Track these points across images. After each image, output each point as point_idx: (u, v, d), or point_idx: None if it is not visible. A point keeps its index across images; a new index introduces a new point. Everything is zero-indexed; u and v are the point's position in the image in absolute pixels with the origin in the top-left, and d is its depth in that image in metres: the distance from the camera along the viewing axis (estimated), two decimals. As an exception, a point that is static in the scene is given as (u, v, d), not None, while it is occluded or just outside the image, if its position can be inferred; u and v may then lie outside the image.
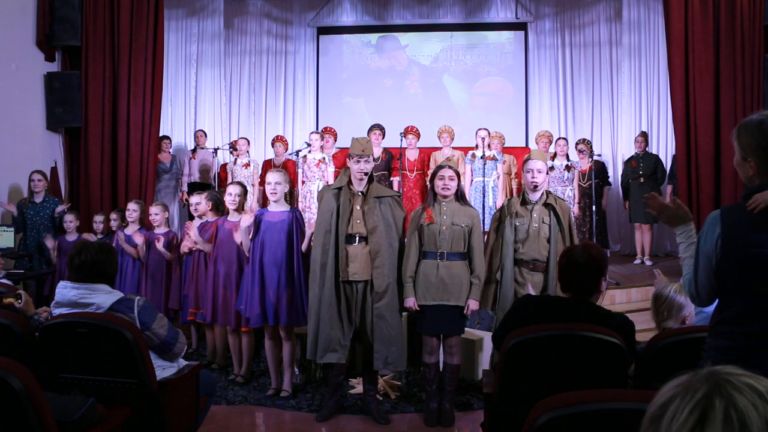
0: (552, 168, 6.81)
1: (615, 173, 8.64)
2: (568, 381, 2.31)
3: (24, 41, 6.75)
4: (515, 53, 9.44)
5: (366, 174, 3.92)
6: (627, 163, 7.71)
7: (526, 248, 3.81)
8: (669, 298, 2.76)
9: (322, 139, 7.38)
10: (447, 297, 3.81)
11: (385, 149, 7.49)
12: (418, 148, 7.53)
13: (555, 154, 7.28)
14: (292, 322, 4.25)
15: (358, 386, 4.42)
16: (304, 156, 7.24)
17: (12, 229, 5.82)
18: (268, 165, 7.54)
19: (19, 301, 2.95)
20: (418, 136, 7.50)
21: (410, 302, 3.86)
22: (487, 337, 4.70)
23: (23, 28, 6.73)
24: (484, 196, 6.91)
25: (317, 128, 8.96)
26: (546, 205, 3.85)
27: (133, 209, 5.42)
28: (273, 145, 7.91)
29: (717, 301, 2.00)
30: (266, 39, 9.69)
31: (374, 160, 4.18)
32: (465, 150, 7.38)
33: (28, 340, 2.68)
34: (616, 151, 8.94)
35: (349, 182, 3.95)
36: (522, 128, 9.28)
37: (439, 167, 3.93)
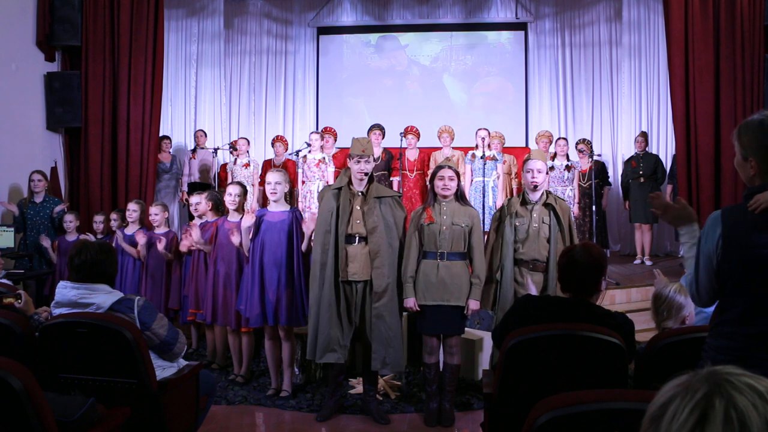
0: (552, 168, 6.81)
1: (615, 173, 8.65)
2: (568, 381, 2.31)
3: (24, 41, 6.75)
4: (515, 53, 9.44)
5: (366, 174, 3.92)
6: (627, 163, 7.71)
7: (526, 248, 3.81)
8: (669, 298, 2.76)
9: (322, 139, 7.38)
10: (447, 297, 3.81)
11: (385, 149, 7.49)
12: (418, 148, 7.52)
13: (555, 154, 7.28)
14: (291, 323, 4.25)
15: (358, 386, 4.42)
16: (304, 156, 7.24)
17: (12, 229, 5.82)
18: (268, 165, 7.54)
19: (19, 301, 2.95)
20: (418, 136, 7.50)
21: (410, 302, 3.86)
22: (487, 337, 4.70)
23: (23, 28, 6.73)
24: (484, 196, 6.91)
25: (317, 128, 8.96)
26: (546, 205, 3.85)
27: (133, 209, 5.42)
28: (273, 145, 7.92)
29: (717, 301, 2.00)
30: (266, 39, 9.69)
31: (374, 160, 4.18)
32: (465, 150, 7.38)
33: (28, 340, 2.68)
34: (616, 151, 8.94)
35: (350, 182, 3.95)
36: (522, 128, 9.29)
37: (439, 167, 3.93)
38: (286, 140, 8.14)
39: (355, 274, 3.88)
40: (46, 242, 5.87)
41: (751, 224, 1.87)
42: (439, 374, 3.97)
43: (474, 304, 3.82)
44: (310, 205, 7.00)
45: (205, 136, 8.35)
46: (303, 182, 7.23)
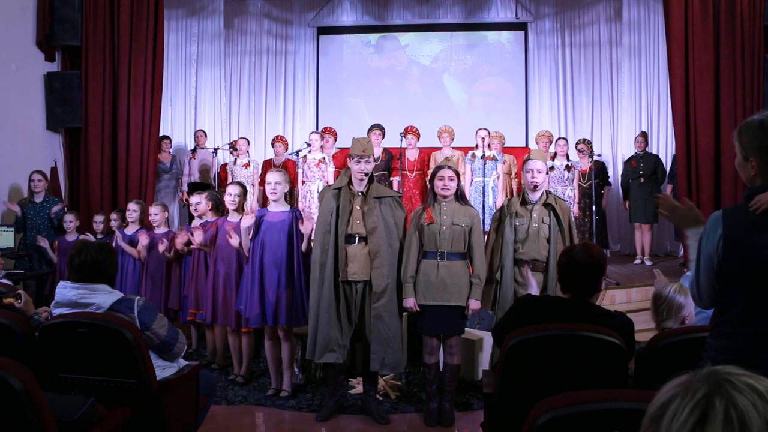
0: (552, 168, 6.82)
1: (615, 173, 8.65)
2: (568, 381, 2.31)
3: (24, 41, 6.75)
4: (515, 53, 9.44)
5: (366, 174, 3.92)
6: (627, 163, 7.71)
7: (525, 248, 3.81)
8: (668, 298, 2.76)
9: (322, 139, 7.38)
10: (447, 297, 3.81)
11: (385, 149, 7.49)
12: (418, 148, 7.52)
13: (555, 154, 7.28)
14: (291, 323, 4.25)
15: (358, 386, 4.42)
16: (304, 156, 7.25)
17: (12, 229, 5.82)
18: (268, 165, 7.54)
19: (19, 301, 2.95)
20: (417, 136, 7.50)
21: (410, 302, 3.85)
22: (487, 336, 4.70)
23: (23, 28, 6.73)
24: (484, 196, 6.91)
25: (317, 128, 8.96)
26: (546, 205, 3.85)
27: (133, 209, 5.42)
28: (273, 145, 7.92)
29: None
30: (266, 39, 9.69)
31: (374, 160, 4.18)
32: (465, 150, 7.38)
33: (28, 340, 2.68)
34: (616, 151, 8.94)
35: (350, 182, 3.95)
36: (522, 128, 9.28)
37: (439, 167, 3.92)
38: (286, 140, 8.14)
39: (354, 274, 3.88)
40: (44, 243, 5.88)
41: (752, 225, 1.87)
42: (439, 374, 3.97)
43: (475, 304, 3.82)
44: (310, 205, 7.00)
45: (205, 136, 8.35)
46: (303, 182, 7.23)
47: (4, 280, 3.97)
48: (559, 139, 7.44)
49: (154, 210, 5.38)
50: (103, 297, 2.75)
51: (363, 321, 3.94)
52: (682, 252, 7.60)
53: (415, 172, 7.41)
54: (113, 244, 4.79)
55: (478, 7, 9.40)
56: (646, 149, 7.60)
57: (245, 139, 7.89)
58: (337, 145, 7.65)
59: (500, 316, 3.51)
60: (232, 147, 7.84)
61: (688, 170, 6.56)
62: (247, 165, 7.58)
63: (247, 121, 9.69)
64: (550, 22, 9.32)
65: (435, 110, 9.14)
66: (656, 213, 7.39)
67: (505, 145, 7.48)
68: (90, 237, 5.47)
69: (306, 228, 4.13)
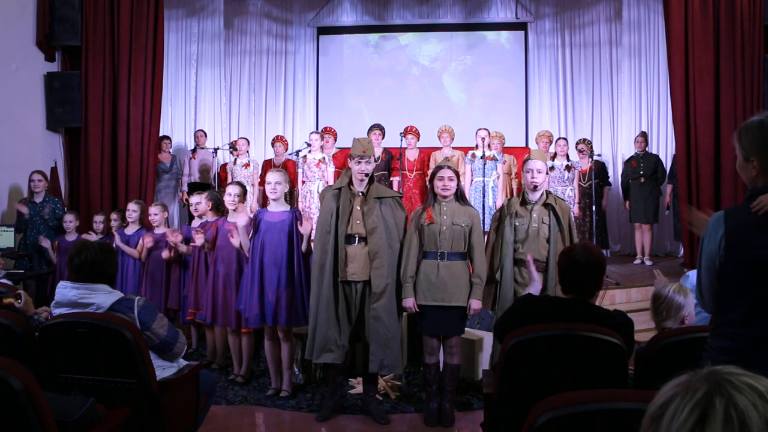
0: (552, 168, 6.82)
1: (615, 173, 8.64)
2: (568, 381, 2.31)
3: (24, 41, 6.75)
4: (515, 53, 9.44)
5: (367, 175, 3.92)
6: (627, 163, 7.71)
7: (525, 248, 3.81)
8: (668, 298, 2.76)
9: (322, 139, 7.38)
10: (448, 298, 3.81)
11: (385, 149, 7.49)
12: (418, 148, 7.53)
13: (555, 154, 7.28)
14: (291, 323, 4.25)
15: (358, 386, 4.42)
16: (304, 156, 7.25)
17: (12, 229, 5.82)
18: (268, 165, 7.54)
19: (19, 301, 2.95)
20: (417, 136, 7.50)
21: (409, 302, 3.85)
22: (487, 337, 4.70)
23: (23, 28, 6.73)
24: (484, 196, 6.91)
25: (317, 128, 8.96)
26: (546, 205, 3.85)
27: (133, 209, 5.42)
28: (273, 145, 7.92)
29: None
30: (266, 39, 9.69)
31: (374, 160, 4.18)
32: (465, 150, 7.38)
33: (28, 340, 2.68)
34: (616, 151, 8.94)
35: (350, 183, 3.95)
36: (522, 128, 9.28)
37: (438, 167, 3.92)
38: (286, 140, 8.14)
39: (354, 275, 3.88)
40: (45, 243, 5.88)
41: (754, 225, 1.87)
42: (439, 374, 3.97)
43: (476, 304, 3.81)
44: (309, 205, 7.01)
45: (205, 136, 8.35)
46: (303, 182, 7.23)
47: (4, 280, 3.97)
48: (559, 139, 7.44)
49: (154, 210, 5.38)
50: (103, 297, 2.75)
51: (363, 321, 3.94)
52: (682, 252, 7.60)
53: (415, 172, 7.41)
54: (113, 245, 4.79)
55: (477, 7, 9.40)
56: (646, 149, 7.60)
57: (245, 139, 7.89)
58: (337, 145, 7.65)
59: (500, 316, 3.50)
60: (232, 147, 7.84)
61: (688, 170, 6.56)
62: (247, 165, 7.58)
63: (247, 121, 9.69)
64: (550, 22, 9.32)
65: (435, 110, 9.14)
66: (656, 213, 7.40)
67: (505, 145, 7.48)
68: (92, 236, 5.46)
69: (305, 228, 4.13)
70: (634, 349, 2.59)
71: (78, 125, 6.95)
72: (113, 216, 5.80)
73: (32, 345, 2.69)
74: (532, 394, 1.97)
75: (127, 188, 6.92)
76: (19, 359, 2.07)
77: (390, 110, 9.15)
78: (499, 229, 3.90)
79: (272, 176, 4.27)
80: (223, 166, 7.98)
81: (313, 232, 4.08)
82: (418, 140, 7.52)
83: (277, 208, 4.29)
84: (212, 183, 7.59)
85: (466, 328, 4.25)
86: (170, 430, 2.78)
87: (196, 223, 5.21)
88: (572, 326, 2.39)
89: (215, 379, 4.18)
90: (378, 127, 7.44)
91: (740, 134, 1.96)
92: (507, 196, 6.73)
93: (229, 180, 7.18)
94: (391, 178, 7.41)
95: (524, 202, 3.88)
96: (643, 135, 7.73)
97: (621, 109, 8.86)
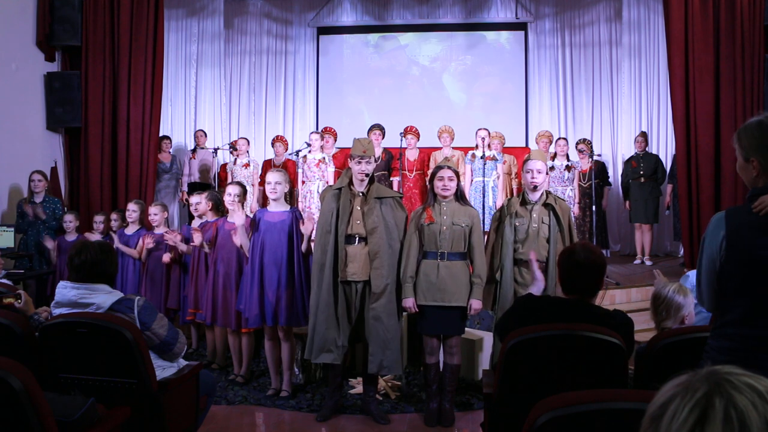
0: (552, 168, 6.82)
1: (615, 173, 8.65)
2: (568, 381, 2.31)
3: (24, 41, 6.75)
4: (515, 53, 9.44)
5: (367, 175, 3.92)
6: (627, 163, 7.71)
7: (525, 248, 3.81)
8: (668, 298, 2.76)
9: (322, 139, 7.38)
10: (448, 298, 3.81)
11: (385, 149, 7.49)
12: (418, 148, 7.53)
13: (555, 154, 7.28)
14: (291, 323, 4.25)
15: (358, 386, 4.42)
16: (304, 156, 7.25)
17: (12, 229, 5.82)
18: (268, 165, 7.54)
19: (19, 301, 2.95)
20: (417, 136, 7.51)
21: (409, 303, 3.85)
22: (487, 337, 4.70)
23: (23, 28, 6.73)
24: (484, 196, 6.91)
25: (317, 128, 8.96)
26: (546, 205, 3.85)
27: (133, 209, 5.42)
28: (273, 145, 7.92)
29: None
30: (266, 39, 9.69)
31: (375, 160, 4.18)
32: (465, 150, 7.38)
33: (28, 340, 2.68)
34: (616, 151, 8.94)
35: (350, 183, 3.95)
36: (522, 128, 9.28)
37: (438, 167, 3.93)
38: (286, 140, 8.14)
39: (354, 275, 3.88)
40: (50, 243, 5.83)
41: (756, 226, 1.87)
42: (439, 374, 3.97)
43: (477, 304, 3.81)
44: (310, 205, 7.01)
45: (205, 136, 8.36)
46: (303, 182, 7.23)
47: (4, 280, 3.97)
48: (559, 139, 7.44)
49: (154, 210, 5.38)
50: (103, 297, 2.75)
51: (362, 321, 3.94)
52: (682, 252, 7.60)
53: (414, 172, 7.41)
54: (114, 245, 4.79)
55: (477, 7, 9.40)
56: (646, 149, 7.60)
57: (245, 139, 7.89)
58: (337, 145, 7.65)
59: (501, 316, 3.50)
60: (232, 147, 7.84)
61: (688, 170, 6.56)
62: (247, 165, 7.58)
63: (247, 121, 9.69)
64: (550, 22, 9.32)
65: (435, 110, 9.14)
66: (656, 213, 7.40)
67: (505, 145, 7.48)
68: (94, 235, 5.46)
69: (306, 228, 4.13)
70: (634, 349, 2.59)
71: (78, 125, 6.95)
72: (113, 216, 5.80)
73: (32, 345, 2.69)
74: (532, 394, 1.97)
75: (127, 188, 6.91)
76: (19, 359, 2.07)
77: (390, 110, 9.16)
78: (499, 229, 3.91)
79: (272, 176, 4.28)
80: (223, 166, 7.98)
81: (314, 232, 4.08)
82: (418, 140, 7.53)
83: (277, 208, 4.29)
84: (212, 183, 7.59)
85: (466, 328, 4.25)
86: (170, 430, 2.78)
87: (196, 223, 5.21)
88: (572, 326, 2.39)
89: (215, 379, 4.18)
90: (378, 127, 7.44)
91: (740, 135, 1.96)
92: (507, 196, 6.73)
93: (229, 180, 7.18)
94: (391, 178, 7.41)
95: (524, 202, 3.88)
96: (643, 135, 7.73)
97: (621, 109, 8.86)
